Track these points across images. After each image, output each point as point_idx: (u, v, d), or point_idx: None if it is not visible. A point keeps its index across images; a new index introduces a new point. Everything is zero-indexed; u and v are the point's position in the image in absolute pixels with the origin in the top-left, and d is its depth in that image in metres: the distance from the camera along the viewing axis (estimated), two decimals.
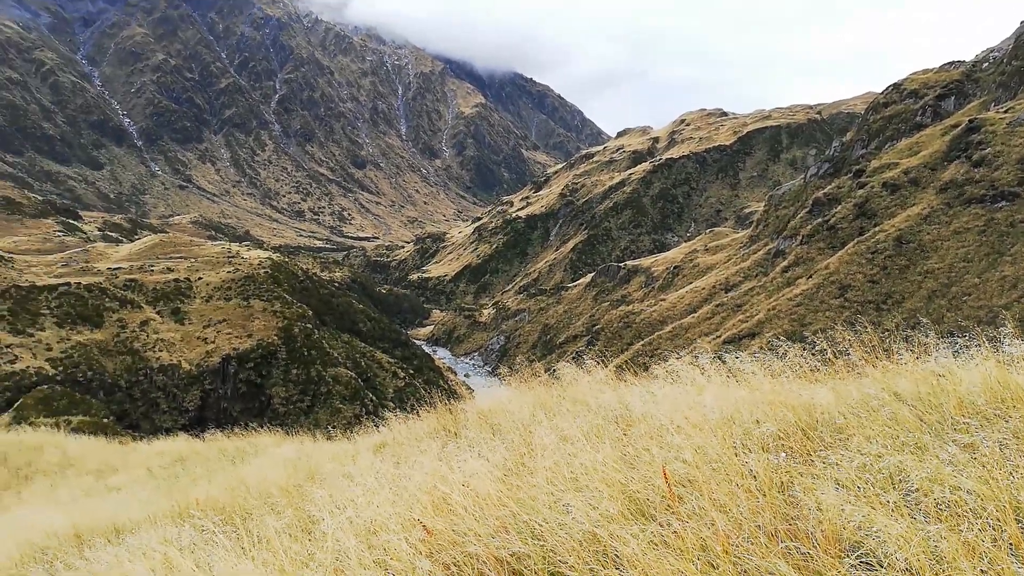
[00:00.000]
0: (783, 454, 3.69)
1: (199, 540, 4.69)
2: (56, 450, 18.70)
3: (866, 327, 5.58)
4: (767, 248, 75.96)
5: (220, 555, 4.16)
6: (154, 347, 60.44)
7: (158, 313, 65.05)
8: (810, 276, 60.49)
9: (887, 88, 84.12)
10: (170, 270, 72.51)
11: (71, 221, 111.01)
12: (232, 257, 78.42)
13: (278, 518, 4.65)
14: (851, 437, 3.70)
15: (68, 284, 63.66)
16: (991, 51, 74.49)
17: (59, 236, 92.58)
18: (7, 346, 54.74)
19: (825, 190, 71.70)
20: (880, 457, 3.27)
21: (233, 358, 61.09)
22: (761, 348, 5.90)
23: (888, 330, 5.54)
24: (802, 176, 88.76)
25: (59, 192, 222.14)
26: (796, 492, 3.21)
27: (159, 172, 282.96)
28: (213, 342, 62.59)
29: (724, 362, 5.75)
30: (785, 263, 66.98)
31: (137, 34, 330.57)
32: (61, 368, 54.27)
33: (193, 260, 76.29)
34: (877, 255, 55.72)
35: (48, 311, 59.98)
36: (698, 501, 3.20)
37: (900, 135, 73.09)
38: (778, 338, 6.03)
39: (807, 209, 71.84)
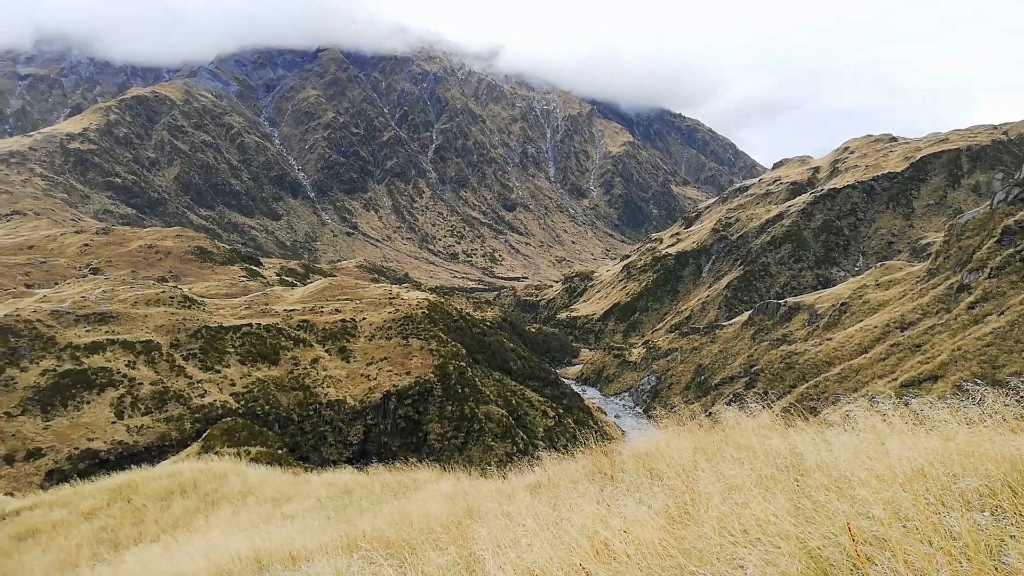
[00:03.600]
0: (988, 513, 3.28)
1: (368, 571, 4.88)
2: (238, 478, 20.35)
3: None
4: (949, 282, 69.33)
5: None
6: (323, 383, 64.74)
7: (327, 351, 69.76)
8: (1002, 312, 54.37)
9: None
10: (337, 311, 77.74)
11: (253, 267, 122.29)
12: (392, 298, 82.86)
13: (442, 554, 4.74)
14: None
15: (250, 325, 69.93)
16: None
17: (243, 281, 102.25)
18: (198, 381, 60.84)
19: (1016, 217, 64.60)
20: None
21: (393, 394, 64.11)
22: (946, 392, 5.33)
23: None
24: (988, 203, 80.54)
25: (243, 241, 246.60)
26: (1008, 558, 2.82)
27: (328, 221, 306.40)
28: (375, 379, 66.07)
29: (907, 407, 5.25)
30: (971, 298, 60.73)
31: (311, 96, 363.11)
32: (243, 402, 59.42)
33: (358, 301, 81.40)
34: None
35: (233, 349, 66.12)
36: (891, 563, 2.90)
37: None
38: (967, 382, 5.42)
39: (995, 239, 64.98)
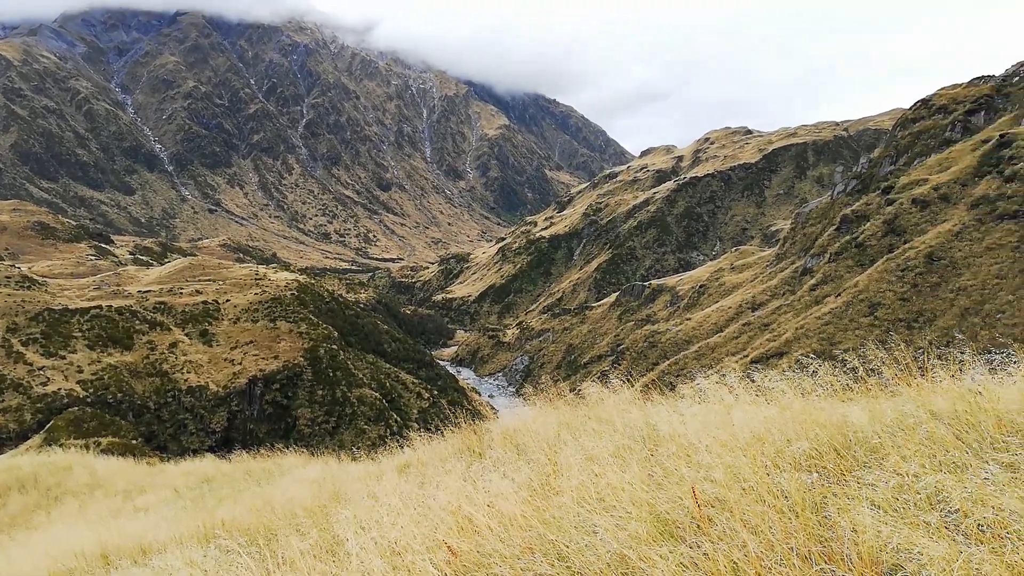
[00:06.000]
0: (816, 474, 3.59)
1: (224, 561, 4.68)
2: (85, 471, 18.93)
3: (898, 345, 5.45)
4: (794, 266, 75.15)
5: None
6: (182, 369, 61.22)
7: (187, 335, 65.96)
8: (839, 294, 59.65)
9: (915, 104, 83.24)
10: (199, 292, 73.59)
11: (103, 245, 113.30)
12: (259, 279, 79.43)
13: (303, 539, 4.63)
14: (886, 457, 3.60)
15: (99, 307, 64.85)
16: (1021, 65, 73.47)
17: (91, 260, 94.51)
18: (40, 368, 55.81)
19: (853, 207, 70.90)
20: (918, 477, 3.17)
21: (260, 379, 61.65)
22: (790, 367, 5.78)
23: (921, 348, 5.40)
24: (829, 193, 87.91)
25: (92, 217, 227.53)
26: (830, 513, 3.11)
27: (189, 196, 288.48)
28: (240, 363, 63.24)
29: (752, 381, 5.65)
30: (813, 281, 66.16)
31: (169, 62, 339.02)
32: (91, 390, 55.13)
33: (221, 283, 77.39)
34: (907, 272, 54.83)
35: (80, 334, 61.11)
36: (729, 522, 3.12)
37: (929, 151, 72.15)
38: (807, 357, 5.90)
39: (835, 226, 71.05)
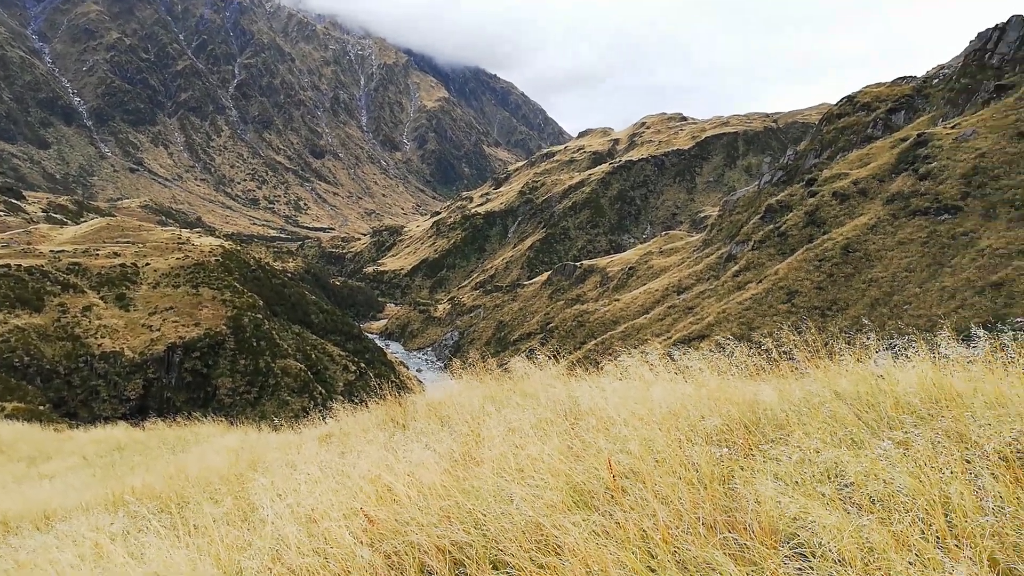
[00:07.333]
0: (726, 448, 3.74)
1: (133, 528, 4.55)
2: None
3: (811, 331, 5.70)
4: (720, 252, 77.33)
5: (153, 542, 4.04)
6: (96, 333, 58.64)
7: (102, 299, 63.12)
8: (760, 281, 61.78)
9: (841, 100, 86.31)
10: (116, 255, 70.41)
11: (13, 201, 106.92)
12: (182, 243, 76.52)
13: (217, 506, 4.54)
14: (792, 433, 3.77)
15: (7, 266, 61.31)
16: (941, 68, 77.00)
17: (0, 216, 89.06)
18: None
19: (778, 197, 73.27)
20: (818, 452, 3.34)
21: (179, 347, 59.66)
22: (710, 349, 5.97)
23: (832, 334, 5.66)
24: (756, 183, 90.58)
25: (2, 171, 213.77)
26: (736, 485, 3.25)
27: (109, 154, 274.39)
28: (159, 330, 61.02)
29: (673, 360, 5.82)
30: (736, 267, 68.26)
31: (92, 11, 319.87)
32: None
33: (141, 245, 74.22)
34: (825, 262, 57.18)
35: None
36: (641, 492, 3.22)
37: (851, 146, 75.10)
38: (727, 339, 6.11)
39: (760, 215, 73.32)
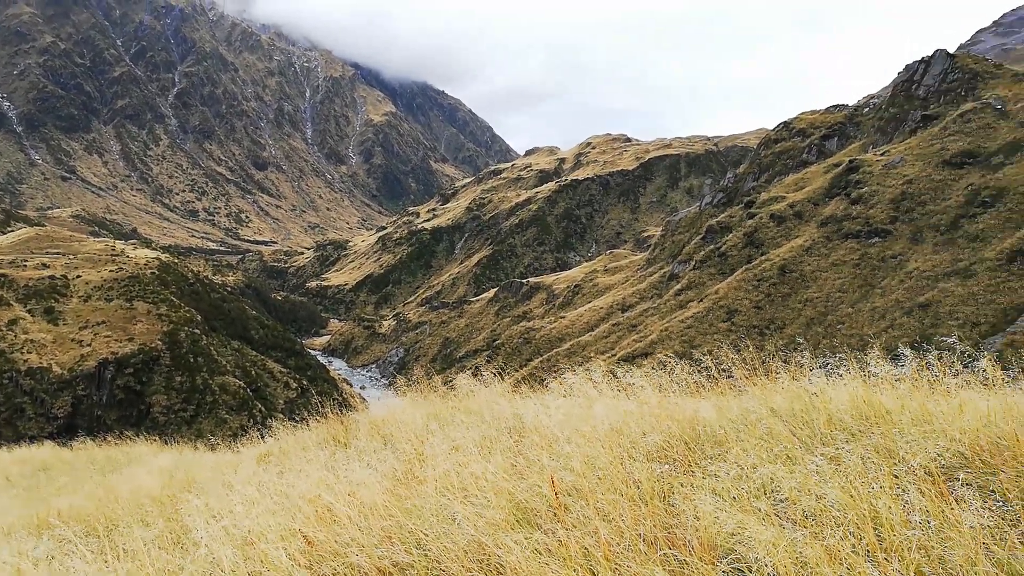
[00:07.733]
0: (666, 464, 3.80)
1: (58, 552, 4.34)
2: None
3: (749, 349, 5.86)
4: (663, 271, 78.77)
5: (80, 567, 3.87)
6: (22, 348, 56.02)
7: (29, 312, 60.41)
8: (701, 300, 63.13)
9: (778, 126, 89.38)
10: (45, 266, 67.57)
11: None
12: (116, 255, 73.95)
13: (148, 529, 4.38)
14: (730, 449, 3.85)
15: None
16: (871, 97, 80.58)
17: None
18: None
19: (718, 218, 75.19)
20: (755, 468, 3.42)
21: (111, 363, 57.45)
22: (653, 367, 6.06)
23: (770, 352, 5.81)
24: (698, 204, 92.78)
25: None
26: (676, 501, 3.30)
27: (40, 161, 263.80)
28: (89, 345, 58.66)
29: (616, 377, 5.89)
30: (679, 286, 69.62)
31: (24, 13, 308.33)
32: None
33: (72, 257, 71.43)
34: (763, 282, 58.83)
35: None
36: (583, 510, 3.24)
37: (788, 170, 77.72)
38: (669, 357, 6.21)
39: (701, 236, 75.08)
